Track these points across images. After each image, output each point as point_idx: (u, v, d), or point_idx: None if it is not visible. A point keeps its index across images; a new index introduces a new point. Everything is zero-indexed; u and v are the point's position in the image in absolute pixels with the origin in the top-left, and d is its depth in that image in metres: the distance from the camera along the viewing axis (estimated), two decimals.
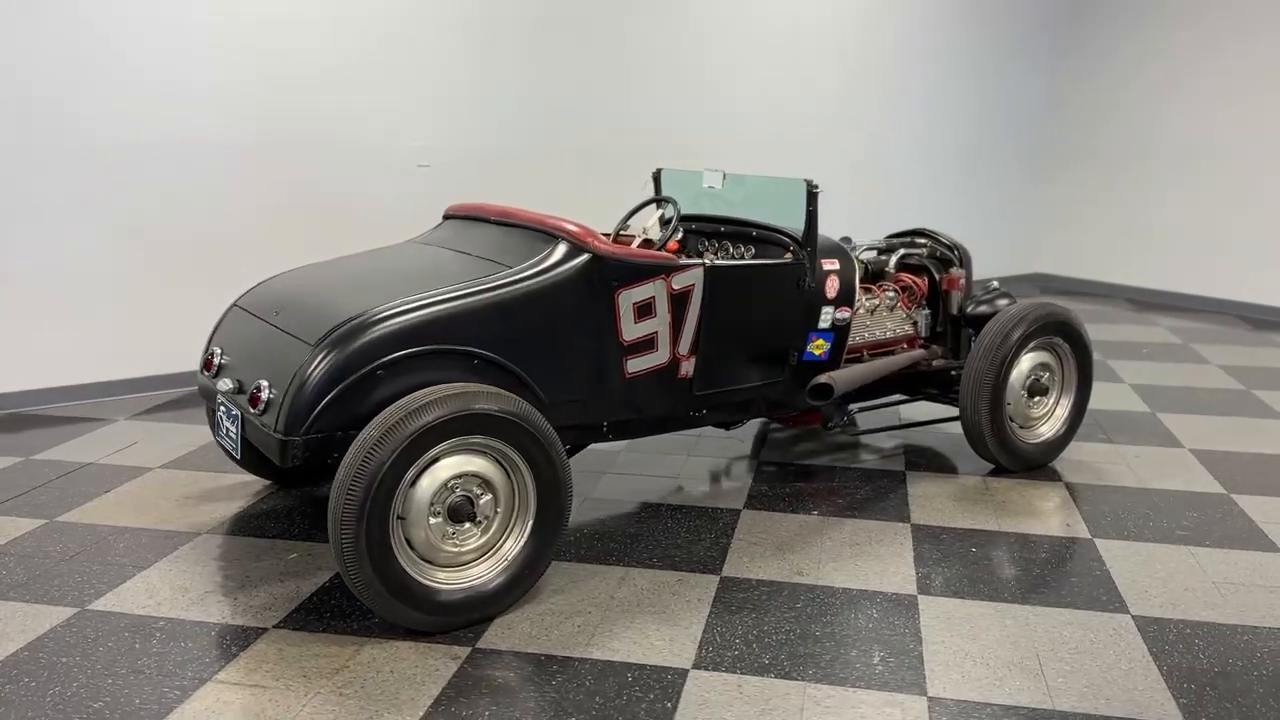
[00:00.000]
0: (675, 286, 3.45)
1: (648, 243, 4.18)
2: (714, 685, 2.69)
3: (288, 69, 5.43)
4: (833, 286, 3.92)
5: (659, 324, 3.44)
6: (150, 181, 5.19)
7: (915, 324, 4.50)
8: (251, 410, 3.02)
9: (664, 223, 4.52)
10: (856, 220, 7.93)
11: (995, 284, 4.58)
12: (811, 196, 3.76)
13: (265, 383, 3.01)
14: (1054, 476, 4.26)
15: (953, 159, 8.49)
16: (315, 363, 2.90)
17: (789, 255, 3.81)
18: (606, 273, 3.30)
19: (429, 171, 5.96)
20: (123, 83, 5.02)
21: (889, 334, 4.39)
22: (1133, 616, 3.08)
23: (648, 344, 3.43)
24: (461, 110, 6.02)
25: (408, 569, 2.85)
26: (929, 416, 5.03)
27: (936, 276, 4.55)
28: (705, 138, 7.02)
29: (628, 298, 3.34)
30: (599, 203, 6.25)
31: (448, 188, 6.01)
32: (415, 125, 5.88)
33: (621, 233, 4.33)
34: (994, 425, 4.12)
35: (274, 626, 2.98)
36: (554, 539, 3.08)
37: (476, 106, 6.08)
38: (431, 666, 2.77)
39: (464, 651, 2.84)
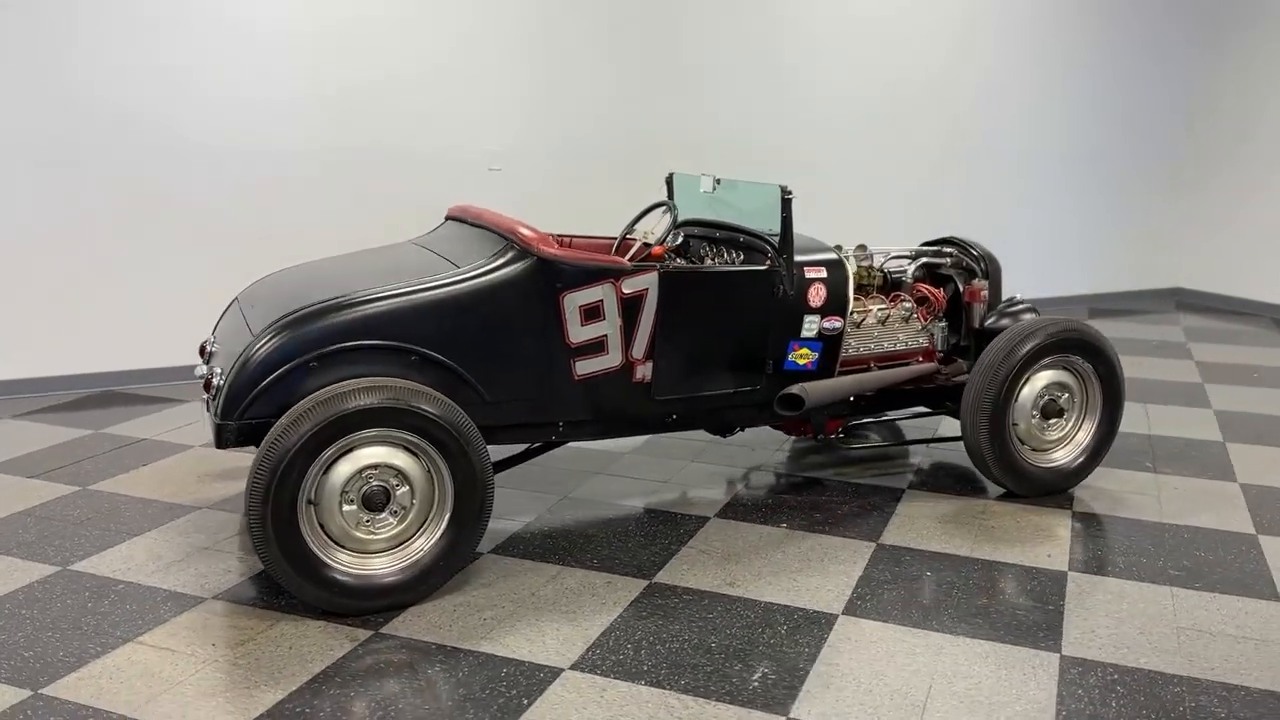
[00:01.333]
0: (626, 291, 3.46)
1: (645, 246, 4.20)
2: (579, 687, 2.71)
3: (355, 77, 5.75)
4: (818, 295, 3.82)
5: (609, 327, 3.46)
6: (244, 183, 5.61)
7: (932, 336, 4.31)
8: (206, 395, 3.26)
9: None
10: (972, 221, 7.59)
11: (1019, 297, 4.33)
12: (786, 203, 3.69)
13: (219, 370, 3.23)
14: (1065, 504, 3.99)
15: (1072, 164, 8.00)
16: (253, 352, 3.10)
17: (770, 261, 3.75)
18: (551, 275, 3.36)
19: (499, 175, 6.16)
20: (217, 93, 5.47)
21: (900, 346, 4.23)
22: (1061, 656, 2.87)
23: (596, 347, 3.46)
24: (533, 114, 6.19)
25: (316, 551, 3.00)
26: (942, 434, 4.80)
27: (960, 288, 4.35)
28: (788, 137, 6.91)
29: (573, 300, 3.39)
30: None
31: (517, 191, 6.19)
32: (488, 129, 6.09)
33: (628, 237, 4.36)
34: (995, 446, 3.90)
35: (212, 597, 3.20)
36: (471, 536, 3.17)
37: (548, 110, 6.23)
38: (328, 646, 2.91)
39: (365, 635, 2.97)
